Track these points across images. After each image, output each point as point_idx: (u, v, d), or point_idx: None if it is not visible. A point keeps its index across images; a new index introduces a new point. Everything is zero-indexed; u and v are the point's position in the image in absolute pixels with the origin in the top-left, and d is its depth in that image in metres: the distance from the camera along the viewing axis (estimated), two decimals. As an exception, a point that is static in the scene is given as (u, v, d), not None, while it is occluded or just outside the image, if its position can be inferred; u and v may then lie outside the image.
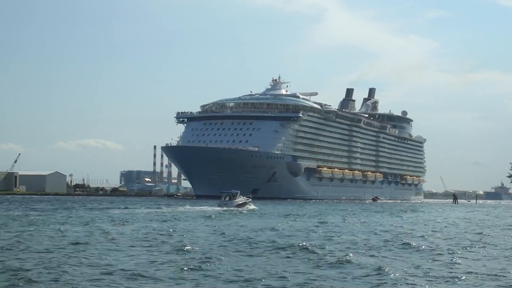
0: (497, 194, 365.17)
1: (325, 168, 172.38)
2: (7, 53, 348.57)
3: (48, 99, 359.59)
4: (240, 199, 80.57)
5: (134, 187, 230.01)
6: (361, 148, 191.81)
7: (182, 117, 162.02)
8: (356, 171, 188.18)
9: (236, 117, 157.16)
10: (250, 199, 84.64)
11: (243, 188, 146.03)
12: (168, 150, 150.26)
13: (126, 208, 79.51)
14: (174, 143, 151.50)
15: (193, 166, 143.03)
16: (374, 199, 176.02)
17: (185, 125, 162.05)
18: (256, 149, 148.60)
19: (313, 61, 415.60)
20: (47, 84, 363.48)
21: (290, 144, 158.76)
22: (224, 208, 74.52)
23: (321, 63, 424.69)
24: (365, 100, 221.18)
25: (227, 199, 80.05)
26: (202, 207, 78.81)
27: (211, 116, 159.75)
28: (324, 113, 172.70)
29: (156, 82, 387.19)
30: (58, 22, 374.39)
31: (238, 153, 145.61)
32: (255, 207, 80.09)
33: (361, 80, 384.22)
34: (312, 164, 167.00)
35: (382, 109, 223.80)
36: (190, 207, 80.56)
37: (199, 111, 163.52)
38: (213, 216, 60.16)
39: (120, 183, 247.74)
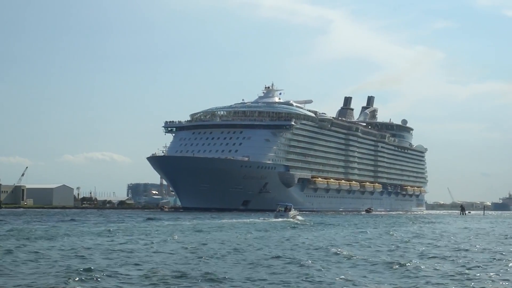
0: (505, 205, 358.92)
1: (320, 179, 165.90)
2: (13, 67, 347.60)
3: (55, 112, 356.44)
4: (294, 212, 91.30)
5: (141, 200, 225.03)
6: (359, 157, 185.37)
7: (170, 126, 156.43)
8: (354, 182, 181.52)
9: (225, 125, 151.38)
10: (298, 212, 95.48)
11: (233, 200, 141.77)
12: (154, 160, 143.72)
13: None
14: (160, 153, 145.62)
15: (180, 177, 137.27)
16: (368, 211, 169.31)
17: (173, 134, 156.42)
18: (246, 159, 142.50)
19: (317, 73, 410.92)
20: (54, 97, 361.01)
21: (283, 153, 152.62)
22: (281, 219, 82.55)
23: (325, 74, 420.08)
24: (363, 108, 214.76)
25: (282, 210, 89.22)
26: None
27: (199, 125, 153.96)
28: (318, 121, 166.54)
29: (162, 95, 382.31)
30: (59, 35, 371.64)
31: (227, 163, 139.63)
32: (303, 218, 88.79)
33: (366, 90, 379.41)
34: (306, 174, 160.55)
35: (384, 118, 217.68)
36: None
37: (188, 120, 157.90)
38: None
39: (127, 196, 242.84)
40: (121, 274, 26.02)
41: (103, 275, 25.47)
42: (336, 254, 35.34)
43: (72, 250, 35.86)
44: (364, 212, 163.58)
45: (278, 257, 33.24)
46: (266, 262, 31.11)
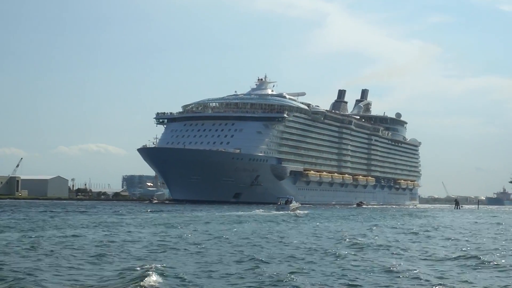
0: (499, 199, 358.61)
1: (312, 172, 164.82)
2: (9, 58, 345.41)
3: (49, 103, 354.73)
4: (295, 204, 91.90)
5: (136, 192, 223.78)
6: (352, 151, 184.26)
7: (161, 118, 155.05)
8: (347, 175, 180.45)
9: (217, 117, 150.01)
10: (299, 205, 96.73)
11: (224, 192, 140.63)
12: (144, 152, 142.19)
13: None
14: (151, 145, 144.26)
15: (171, 169, 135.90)
16: (359, 204, 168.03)
17: (165, 126, 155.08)
18: (238, 151, 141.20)
19: (312, 66, 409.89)
20: (48, 89, 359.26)
21: (275, 146, 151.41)
22: (282, 212, 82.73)
23: (320, 67, 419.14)
24: (357, 101, 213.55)
25: (283, 203, 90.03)
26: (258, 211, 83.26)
27: (191, 117, 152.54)
28: (311, 113, 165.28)
29: (157, 86, 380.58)
30: (54, 28, 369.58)
31: (218, 155, 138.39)
32: (306, 212, 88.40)
33: (360, 84, 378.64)
34: (299, 167, 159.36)
35: (378, 112, 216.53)
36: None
37: (180, 112, 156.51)
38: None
39: (122, 187, 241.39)
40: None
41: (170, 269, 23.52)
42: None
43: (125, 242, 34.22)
44: (355, 206, 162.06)
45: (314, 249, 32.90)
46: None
